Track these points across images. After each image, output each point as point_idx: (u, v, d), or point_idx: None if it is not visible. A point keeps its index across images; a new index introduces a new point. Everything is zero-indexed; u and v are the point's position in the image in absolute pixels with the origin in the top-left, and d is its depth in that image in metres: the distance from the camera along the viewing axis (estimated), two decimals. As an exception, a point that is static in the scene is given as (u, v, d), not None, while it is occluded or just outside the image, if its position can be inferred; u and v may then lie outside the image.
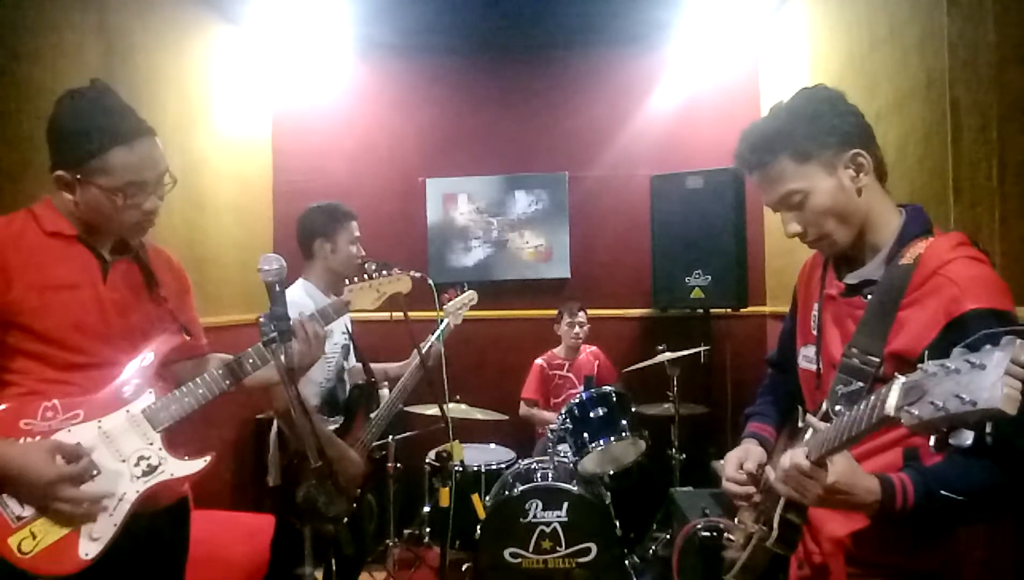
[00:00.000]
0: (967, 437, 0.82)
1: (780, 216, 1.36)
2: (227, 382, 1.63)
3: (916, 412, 0.86)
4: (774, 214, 1.38)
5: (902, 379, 0.92)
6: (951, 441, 0.83)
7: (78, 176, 1.47)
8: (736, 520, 1.51)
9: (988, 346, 0.83)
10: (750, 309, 3.98)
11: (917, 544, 1.22)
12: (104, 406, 1.52)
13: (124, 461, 1.50)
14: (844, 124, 1.30)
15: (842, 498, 1.14)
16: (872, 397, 1.00)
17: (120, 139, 1.47)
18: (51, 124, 1.50)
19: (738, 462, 1.46)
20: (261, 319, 1.59)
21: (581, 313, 3.96)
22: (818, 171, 1.29)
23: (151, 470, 1.52)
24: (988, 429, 0.80)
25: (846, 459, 1.13)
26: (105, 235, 1.58)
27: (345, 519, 2.18)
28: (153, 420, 1.54)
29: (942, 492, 1.11)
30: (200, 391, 1.59)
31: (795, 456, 1.17)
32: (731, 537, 1.51)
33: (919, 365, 0.89)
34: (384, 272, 2.05)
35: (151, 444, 1.53)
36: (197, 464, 1.58)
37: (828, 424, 1.15)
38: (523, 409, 3.97)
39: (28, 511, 1.40)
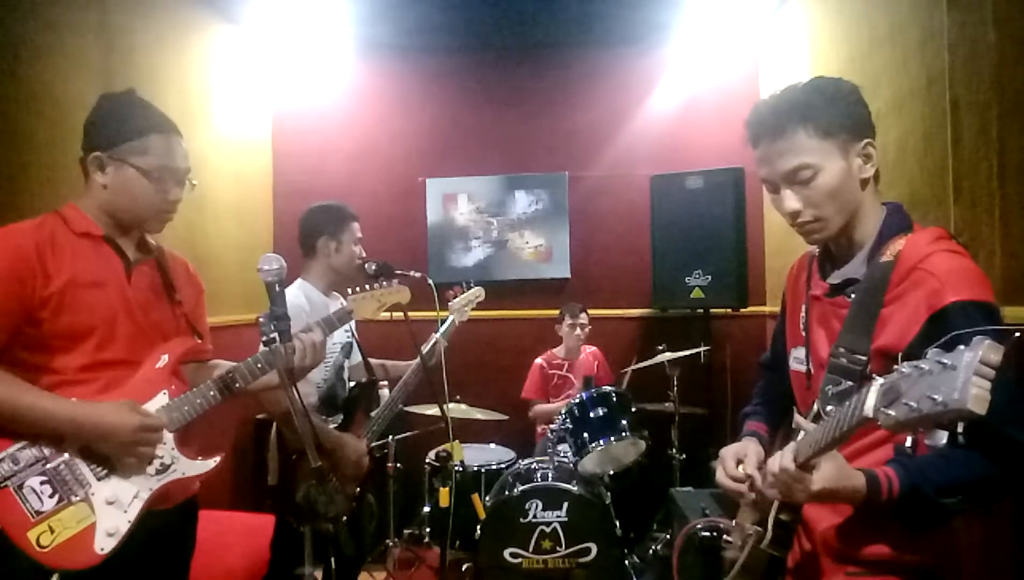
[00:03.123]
0: (941, 437, 0.83)
1: (780, 193, 1.32)
2: (236, 385, 1.68)
3: (893, 413, 0.87)
4: (774, 214, 1.37)
5: (880, 380, 0.93)
6: (926, 442, 0.84)
7: (114, 156, 1.57)
8: (735, 521, 1.51)
9: (960, 346, 0.83)
10: (750, 309, 3.98)
11: (912, 539, 1.22)
12: None
13: None
14: (860, 113, 1.31)
15: (828, 500, 1.19)
16: (853, 398, 1.02)
17: (159, 128, 1.62)
18: (91, 115, 1.61)
19: (735, 457, 1.46)
20: (261, 319, 1.61)
21: (583, 314, 3.96)
22: (834, 150, 1.28)
23: (164, 469, 1.57)
24: (959, 429, 0.81)
25: (832, 462, 1.15)
26: (129, 230, 1.66)
27: (345, 519, 2.19)
28: (166, 420, 1.59)
29: (924, 485, 1.13)
30: (211, 393, 1.66)
31: (783, 460, 1.18)
32: (730, 538, 1.51)
33: (895, 366, 0.90)
34: (385, 282, 2.16)
35: (164, 444, 1.58)
36: (207, 464, 1.64)
37: (816, 425, 1.16)
38: (531, 410, 3.98)
39: (47, 506, 1.44)
